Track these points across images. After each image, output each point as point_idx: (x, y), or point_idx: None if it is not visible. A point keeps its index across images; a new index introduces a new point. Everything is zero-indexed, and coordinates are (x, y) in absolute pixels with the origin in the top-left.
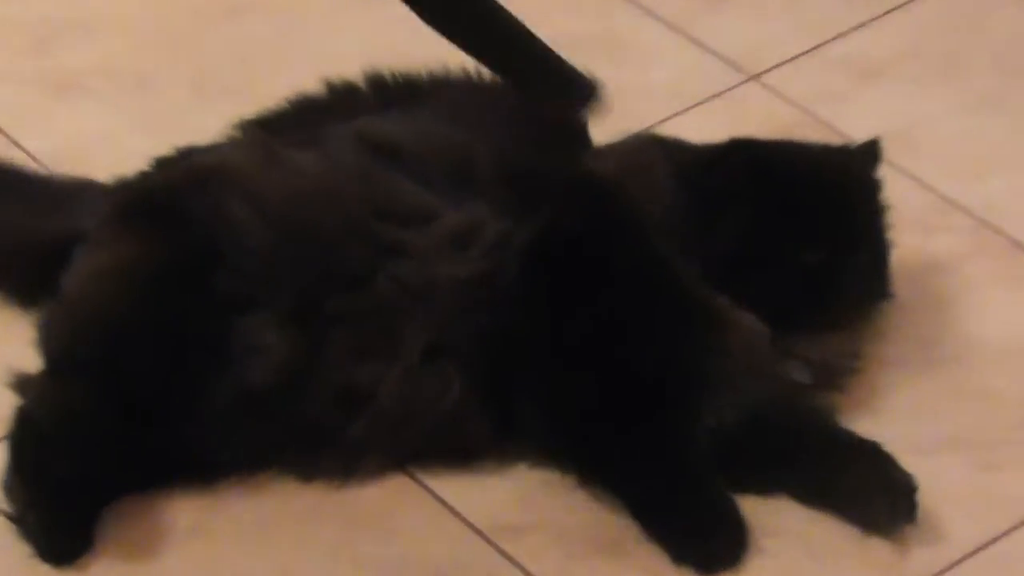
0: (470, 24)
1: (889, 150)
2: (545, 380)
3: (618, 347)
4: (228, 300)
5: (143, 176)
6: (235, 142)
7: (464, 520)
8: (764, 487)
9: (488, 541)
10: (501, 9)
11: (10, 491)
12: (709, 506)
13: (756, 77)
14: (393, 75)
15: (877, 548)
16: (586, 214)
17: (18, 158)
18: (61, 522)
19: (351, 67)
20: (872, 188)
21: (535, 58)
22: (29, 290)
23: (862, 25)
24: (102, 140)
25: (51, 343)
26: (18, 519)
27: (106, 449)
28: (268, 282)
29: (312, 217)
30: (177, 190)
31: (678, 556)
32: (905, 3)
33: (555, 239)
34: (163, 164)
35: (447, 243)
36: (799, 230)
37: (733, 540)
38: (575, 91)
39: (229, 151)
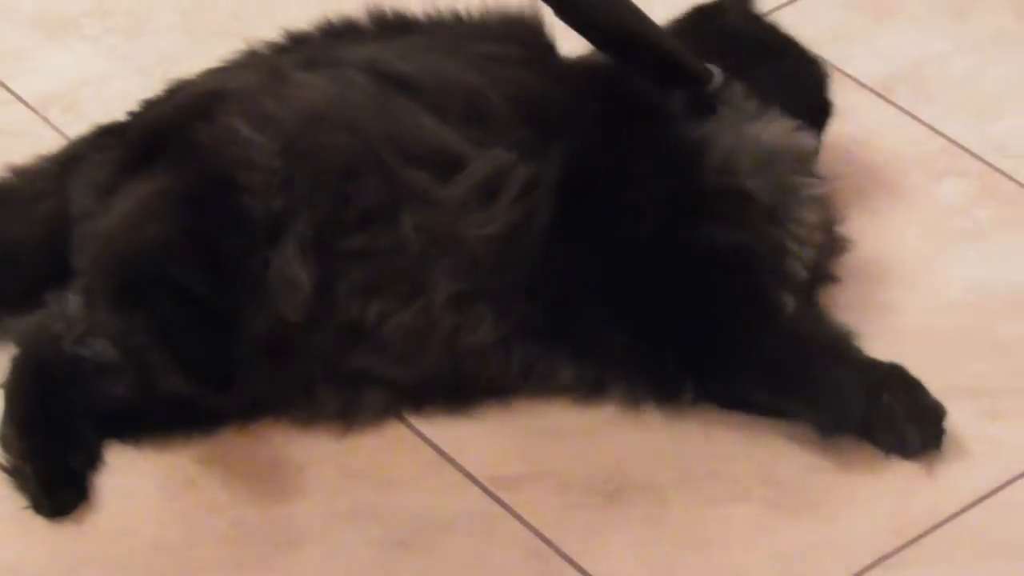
0: (591, 11)
1: (897, 91)
2: (621, 311)
3: (684, 256)
4: (257, 228)
5: (141, 114)
6: (235, 65)
7: (462, 470)
8: (785, 412)
9: (486, 491)
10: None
11: (5, 442)
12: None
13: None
14: (394, 12)
15: (879, 497)
16: (606, 135)
17: (8, 101)
18: (57, 474)
19: (345, 5)
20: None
21: (655, 50)
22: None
23: None
24: (93, 82)
25: (88, 282)
26: (13, 471)
27: (106, 398)
28: (286, 207)
29: (326, 140)
30: (181, 120)
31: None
32: None
33: (582, 168)
34: (154, 103)
35: (474, 196)
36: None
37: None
38: (690, 78)
39: (230, 74)
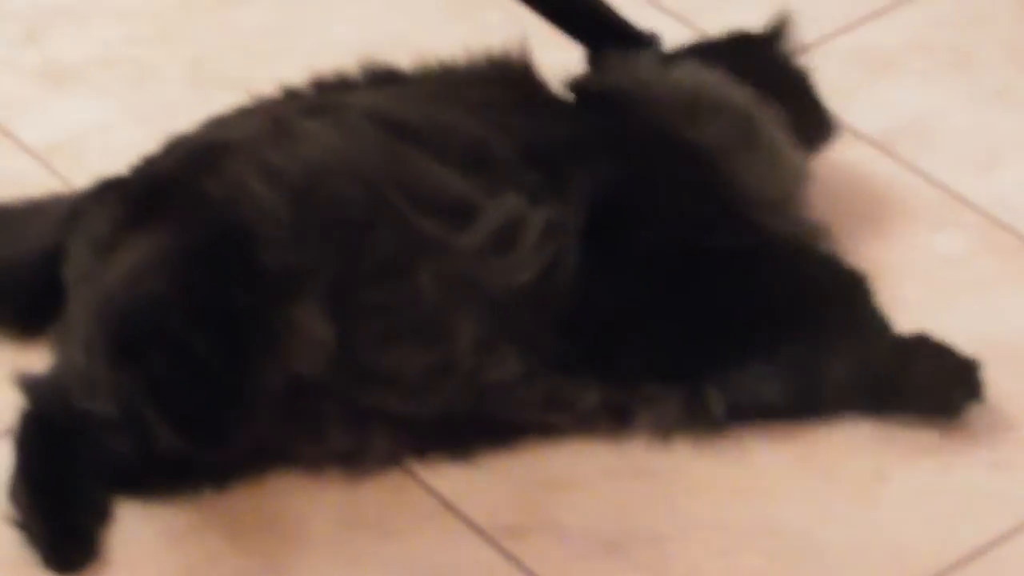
0: None
1: (898, 144)
2: (652, 331)
3: (712, 261)
4: (272, 282)
5: (142, 168)
6: (234, 116)
7: (464, 519)
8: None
9: (489, 541)
10: None
11: (15, 497)
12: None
13: None
14: (384, 65)
15: (881, 549)
16: (630, 170)
17: (13, 150)
18: (65, 531)
19: (349, 56)
20: None
21: (596, 14)
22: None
23: (870, 17)
24: (98, 132)
25: (87, 338)
26: (23, 526)
27: (114, 453)
28: (301, 262)
29: (336, 192)
30: (185, 173)
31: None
32: None
33: (609, 206)
34: (155, 157)
35: (491, 243)
36: None
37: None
38: (635, 45)
39: (230, 125)
